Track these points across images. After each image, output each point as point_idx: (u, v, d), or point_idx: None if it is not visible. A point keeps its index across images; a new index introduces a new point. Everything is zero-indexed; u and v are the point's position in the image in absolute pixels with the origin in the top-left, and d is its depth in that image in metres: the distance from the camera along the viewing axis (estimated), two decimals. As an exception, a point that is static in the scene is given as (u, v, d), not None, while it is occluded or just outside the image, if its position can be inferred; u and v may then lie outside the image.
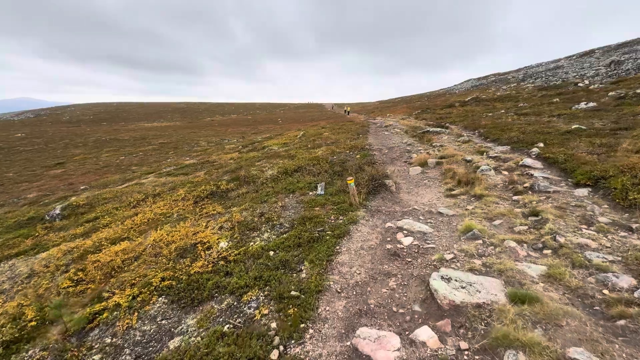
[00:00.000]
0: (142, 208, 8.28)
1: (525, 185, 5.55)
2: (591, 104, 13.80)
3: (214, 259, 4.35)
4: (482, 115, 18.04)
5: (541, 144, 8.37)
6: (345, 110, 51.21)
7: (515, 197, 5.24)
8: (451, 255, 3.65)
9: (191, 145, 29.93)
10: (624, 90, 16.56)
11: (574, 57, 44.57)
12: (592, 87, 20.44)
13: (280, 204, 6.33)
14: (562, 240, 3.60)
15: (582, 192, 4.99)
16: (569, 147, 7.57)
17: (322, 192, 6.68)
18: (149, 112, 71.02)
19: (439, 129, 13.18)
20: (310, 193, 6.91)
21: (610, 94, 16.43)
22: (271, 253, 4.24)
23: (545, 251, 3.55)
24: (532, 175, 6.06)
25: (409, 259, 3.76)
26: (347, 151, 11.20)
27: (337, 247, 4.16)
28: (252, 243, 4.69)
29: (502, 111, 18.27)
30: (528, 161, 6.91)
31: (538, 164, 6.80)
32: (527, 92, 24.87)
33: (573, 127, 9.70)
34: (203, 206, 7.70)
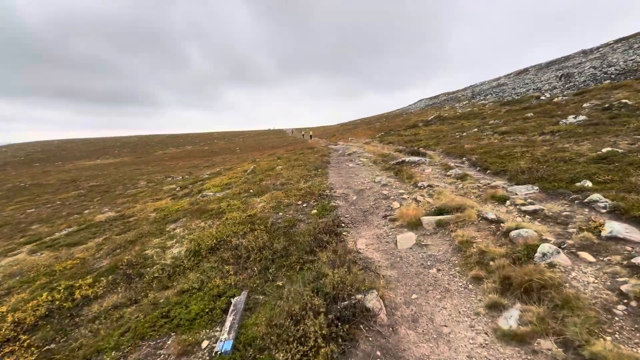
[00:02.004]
0: None
1: None
2: (581, 117, 11.53)
3: None
4: (455, 135, 15.46)
5: (588, 183, 5.29)
6: (302, 134, 48.49)
7: None
8: None
9: (126, 187, 24.73)
10: (596, 101, 14.87)
11: (511, 75, 46.11)
12: (556, 99, 18.94)
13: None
14: None
15: None
16: (648, 190, 4.50)
17: (229, 348, 2.85)
18: (94, 149, 63.33)
19: (417, 158, 10.02)
20: (205, 343, 3.05)
21: (585, 105, 14.58)
22: None
23: None
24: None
25: None
26: (299, 201, 7.53)
27: None
28: None
29: (475, 130, 15.86)
30: (615, 228, 3.63)
31: (636, 235, 3.55)
32: (490, 109, 23.25)
33: (604, 150, 6.88)
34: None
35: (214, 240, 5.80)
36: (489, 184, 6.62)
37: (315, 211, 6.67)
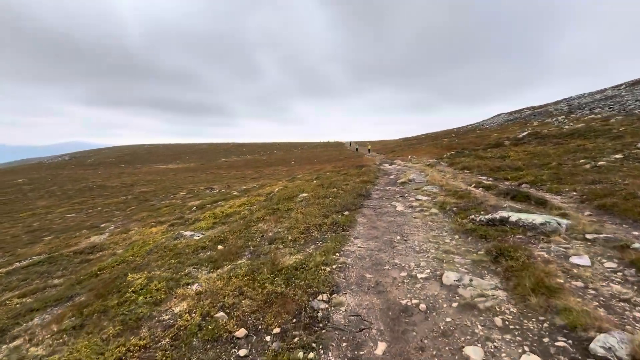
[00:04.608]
0: None
1: None
2: None
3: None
4: (580, 163, 9.23)
5: None
6: (356, 149, 43.90)
7: None
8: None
9: (167, 196, 23.15)
10: None
11: (622, 87, 35.52)
12: None
13: None
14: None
15: None
16: None
17: None
18: (171, 154, 67.78)
19: (534, 217, 4.61)
20: None
21: None
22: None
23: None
24: None
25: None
26: (242, 332, 3.02)
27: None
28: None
29: (618, 156, 9.37)
30: None
31: None
32: (622, 124, 15.60)
33: None
34: None
35: None
36: None
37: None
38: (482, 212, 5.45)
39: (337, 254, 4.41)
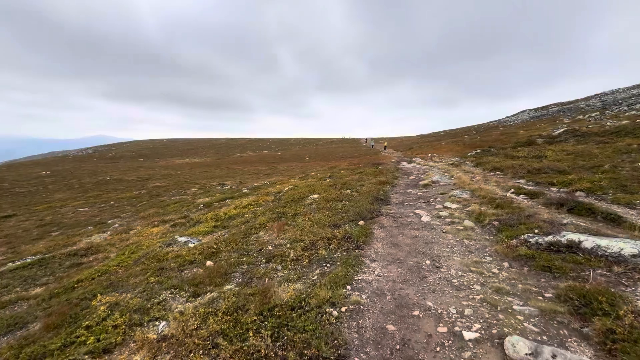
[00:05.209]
0: None
1: None
2: None
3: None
4: (641, 166, 7.71)
5: None
6: (372, 145, 42.43)
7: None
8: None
9: (178, 192, 22.73)
10: None
11: None
12: None
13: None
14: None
15: None
16: None
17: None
18: (188, 148, 68.36)
19: (618, 246, 3.37)
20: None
21: None
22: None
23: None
24: None
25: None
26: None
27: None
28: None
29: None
30: None
31: None
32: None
33: None
34: None
35: None
36: None
37: None
38: (536, 231, 4.22)
39: (348, 287, 3.33)
